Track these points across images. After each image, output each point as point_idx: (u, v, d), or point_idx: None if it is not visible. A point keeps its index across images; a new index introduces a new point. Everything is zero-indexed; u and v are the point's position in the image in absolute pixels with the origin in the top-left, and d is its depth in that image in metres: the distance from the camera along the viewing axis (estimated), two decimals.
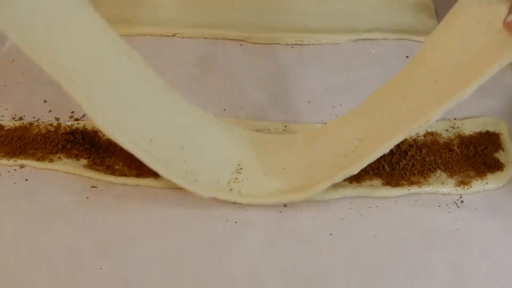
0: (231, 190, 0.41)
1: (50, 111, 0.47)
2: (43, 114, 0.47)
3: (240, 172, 0.42)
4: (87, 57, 0.39)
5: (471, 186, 0.42)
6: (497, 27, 0.33)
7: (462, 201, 0.42)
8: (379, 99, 0.41)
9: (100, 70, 0.39)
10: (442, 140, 0.45)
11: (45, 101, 0.48)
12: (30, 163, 0.43)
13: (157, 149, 0.40)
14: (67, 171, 0.43)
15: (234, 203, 0.41)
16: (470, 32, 0.35)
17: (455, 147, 0.44)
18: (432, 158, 0.44)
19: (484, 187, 0.42)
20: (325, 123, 0.47)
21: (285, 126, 0.47)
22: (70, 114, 0.47)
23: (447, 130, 0.46)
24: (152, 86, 0.42)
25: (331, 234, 0.40)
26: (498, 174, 0.43)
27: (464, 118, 0.47)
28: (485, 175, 0.43)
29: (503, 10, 0.33)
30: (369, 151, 0.38)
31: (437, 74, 0.36)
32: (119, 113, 0.39)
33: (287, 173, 0.42)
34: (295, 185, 0.41)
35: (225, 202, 0.41)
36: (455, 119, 0.47)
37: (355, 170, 0.39)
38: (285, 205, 0.41)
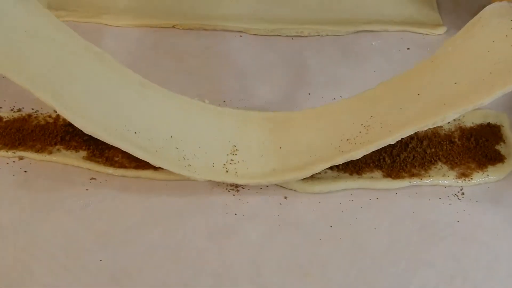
0: (227, 172, 0.41)
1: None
2: (41, 106, 0.47)
3: (235, 154, 0.42)
4: (57, 63, 0.40)
5: (472, 178, 0.42)
6: None
7: (463, 193, 0.42)
8: (389, 90, 0.41)
9: (72, 73, 0.41)
10: (443, 132, 0.45)
11: None
12: (29, 154, 0.43)
13: (145, 140, 0.40)
14: (66, 163, 0.43)
15: (234, 195, 0.41)
16: (498, 43, 0.37)
17: (456, 139, 0.44)
18: (433, 150, 0.43)
19: (485, 179, 0.42)
20: None
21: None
22: None
23: (448, 122, 0.45)
24: (129, 82, 0.42)
25: (331, 226, 0.40)
26: (499, 166, 0.43)
27: None
28: (486, 167, 0.42)
29: None
30: (375, 138, 0.39)
31: (458, 77, 0.38)
32: (98, 112, 0.40)
33: (283, 152, 0.42)
34: (292, 165, 0.41)
35: (225, 194, 0.41)
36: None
37: (359, 155, 0.39)
38: (285, 197, 0.41)
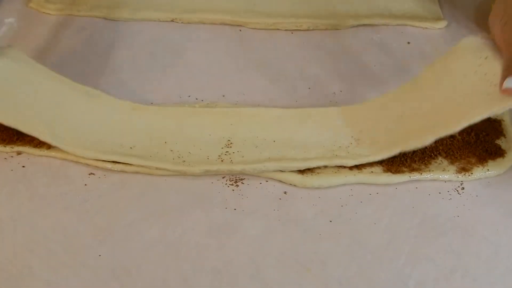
0: (222, 161, 0.42)
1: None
2: None
3: (230, 147, 0.43)
4: (47, 103, 0.43)
5: (472, 173, 0.42)
6: (491, 81, 0.38)
7: (463, 188, 0.41)
8: (374, 108, 0.45)
9: (63, 112, 0.44)
10: None
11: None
12: (27, 149, 0.43)
13: (140, 151, 0.42)
14: (65, 158, 0.43)
15: (233, 190, 0.41)
16: (468, 77, 0.40)
17: (456, 134, 0.44)
18: (433, 145, 0.43)
19: (485, 173, 0.42)
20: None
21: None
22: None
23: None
24: (120, 111, 0.45)
25: (331, 221, 0.40)
26: (499, 160, 0.42)
27: None
28: (486, 161, 0.42)
29: (497, 67, 0.38)
30: (366, 153, 0.42)
31: (435, 104, 0.42)
32: (91, 141, 0.42)
33: (278, 145, 0.43)
34: (287, 156, 0.42)
35: (224, 189, 0.41)
36: None
37: (350, 163, 0.41)
38: (285, 192, 0.41)
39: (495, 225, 0.39)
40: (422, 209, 0.40)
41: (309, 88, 0.49)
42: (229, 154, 0.42)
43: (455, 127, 0.40)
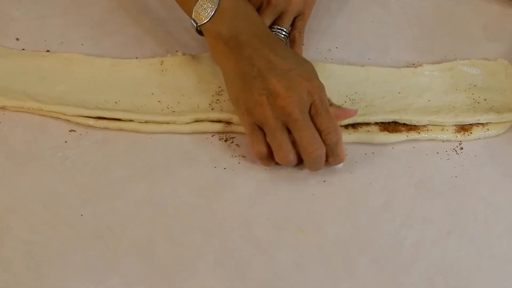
0: (212, 109, 0.40)
1: (23, 49, 0.44)
2: None
3: (221, 94, 0.41)
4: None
5: (471, 133, 0.40)
6: None
7: (461, 148, 0.40)
8: (375, 75, 0.44)
9: (49, 81, 0.42)
10: None
11: (17, 39, 0.45)
12: (3, 100, 0.40)
13: (126, 105, 0.40)
14: (44, 114, 0.40)
15: (223, 147, 0.39)
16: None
17: None
18: None
19: (484, 133, 0.41)
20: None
21: None
22: (44, 49, 0.44)
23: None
24: (100, 68, 0.43)
25: (325, 181, 0.38)
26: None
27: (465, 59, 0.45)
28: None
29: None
30: (362, 112, 0.40)
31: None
32: (76, 100, 0.41)
33: None
34: None
35: (214, 147, 0.39)
36: (459, 59, 0.45)
37: (343, 122, 0.40)
38: None
39: (494, 186, 0.38)
40: (419, 170, 0.39)
41: (304, 44, 0.46)
42: (220, 102, 0.41)
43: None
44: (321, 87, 0.37)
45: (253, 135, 0.37)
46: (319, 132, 0.36)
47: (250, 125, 0.37)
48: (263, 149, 0.37)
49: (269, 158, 0.37)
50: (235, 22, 0.39)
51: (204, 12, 0.39)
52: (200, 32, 0.40)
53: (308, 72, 0.37)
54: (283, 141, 0.36)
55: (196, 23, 0.40)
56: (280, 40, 0.42)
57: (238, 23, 0.39)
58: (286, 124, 0.36)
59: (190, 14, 0.40)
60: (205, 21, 0.39)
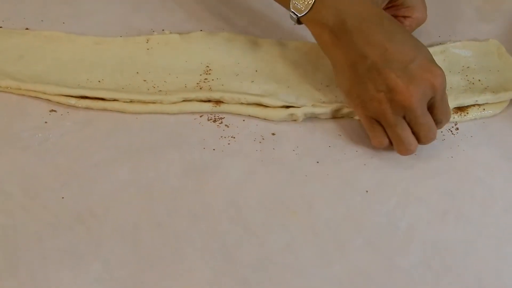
0: (200, 89, 0.39)
1: (0, 27, 0.42)
2: None
3: (209, 73, 0.40)
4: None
5: (467, 113, 0.39)
6: None
7: (457, 129, 0.39)
8: None
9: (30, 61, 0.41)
10: None
11: None
12: None
13: (110, 84, 0.39)
14: (23, 94, 0.38)
15: (211, 128, 0.38)
16: None
17: None
18: None
19: (481, 113, 0.39)
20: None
21: (280, 43, 0.43)
22: (23, 27, 0.42)
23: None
24: (83, 45, 0.41)
25: (318, 162, 0.37)
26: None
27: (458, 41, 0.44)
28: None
29: None
30: None
31: None
32: (49, 75, 0.39)
33: (260, 75, 0.40)
34: (269, 91, 0.39)
35: (202, 127, 0.38)
36: (450, 41, 0.44)
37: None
38: (273, 134, 0.38)
39: (490, 166, 0.37)
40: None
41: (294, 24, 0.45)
42: (208, 81, 0.39)
43: None
44: (442, 75, 0.34)
45: (373, 130, 0.36)
46: (435, 122, 0.35)
47: (367, 118, 0.36)
48: (385, 141, 0.36)
49: (389, 145, 0.36)
50: (339, 6, 0.34)
51: (304, 1, 0.35)
52: (300, 21, 0.36)
53: (428, 60, 0.34)
54: (404, 135, 0.35)
55: (296, 15, 0.36)
56: (394, 20, 0.36)
57: (343, 8, 0.35)
58: (404, 115, 0.34)
59: (287, 5, 0.36)
60: (306, 12, 0.35)
